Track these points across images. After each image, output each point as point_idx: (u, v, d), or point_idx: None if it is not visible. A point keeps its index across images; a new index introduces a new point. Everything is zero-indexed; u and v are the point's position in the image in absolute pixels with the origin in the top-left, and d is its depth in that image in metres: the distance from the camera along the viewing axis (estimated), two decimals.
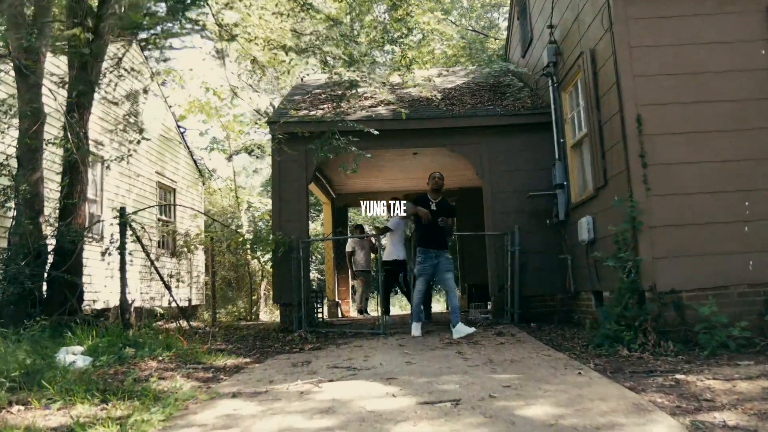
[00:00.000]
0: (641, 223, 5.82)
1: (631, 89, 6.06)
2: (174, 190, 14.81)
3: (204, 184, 17.39)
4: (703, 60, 6.06)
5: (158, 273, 9.04)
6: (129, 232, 8.12)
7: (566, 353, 5.65)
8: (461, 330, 7.05)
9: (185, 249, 10.63)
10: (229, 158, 14.96)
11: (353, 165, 8.25)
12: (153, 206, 10.53)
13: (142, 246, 8.41)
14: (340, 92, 9.62)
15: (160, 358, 6.03)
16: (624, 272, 5.83)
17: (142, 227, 8.73)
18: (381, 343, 6.91)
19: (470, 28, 23.34)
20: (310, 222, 25.34)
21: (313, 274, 19.99)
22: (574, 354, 5.61)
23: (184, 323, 9.85)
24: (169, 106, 15.91)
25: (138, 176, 12.81)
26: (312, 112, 9.55)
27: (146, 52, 18.59)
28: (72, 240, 7.45)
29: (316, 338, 7.62)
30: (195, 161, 16.46)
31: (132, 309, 7.84)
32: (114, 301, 10.28)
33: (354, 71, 8.12)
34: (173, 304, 13.45)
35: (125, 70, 10.47)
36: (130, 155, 8.83)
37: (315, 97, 10.69)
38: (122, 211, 8.01)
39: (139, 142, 9.57)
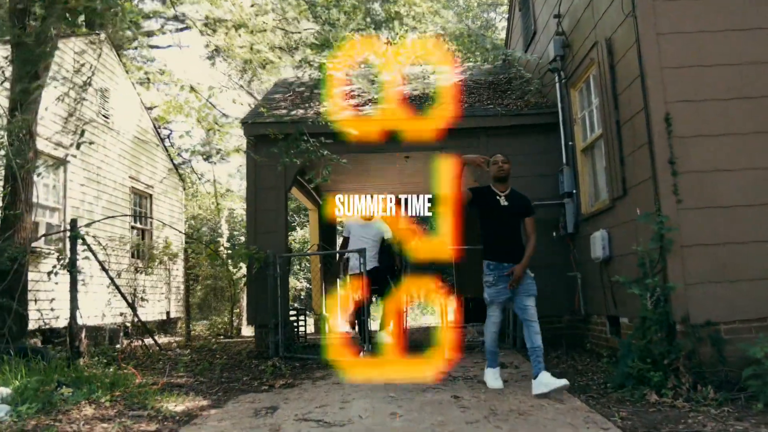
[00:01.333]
0: (671, 241, 4.89)
1: (659, 83, 5.13)
2: (150, 196, 13.85)
3: (185, 189, 16.43)
4: (747, 49, 5.13)
5: (119, 290, 8.09)
6: (84, 247, 7.16)
7: (583, 396, 4.73)
8: (549, 383, 4.70)
9: (155, 261, 9.65)
10: (207, 158, 13.99)
11: (323, 172, 7.26)
12: (109, 217, 9.53)
13: (99, 262, 7.47)
14: (313, 89, 8.68)
15: (102, 400, 5.07)
16: (650, 300, 4.90)
17: (98, 241, 7.76)
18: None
19: (467, 25, 22.46)
20: (298, 229, 24.50)
21: (302, 284, 19.03)
22: (593, 398, 4.69)
23: (149, 341, 8.89)
24: (149, 108, 14.95)
25: (109, 181, 11.84)
26: (292, 112, 8.61)
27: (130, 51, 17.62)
28: (12, 257, 6.49)
29: (291, 369, 6.66)
30: (175, 165, 15.50)
31: (83, 336, 6.87)
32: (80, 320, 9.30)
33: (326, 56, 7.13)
34: (147, 319, 12.51)
35: (90, 66, 9.50)
36: (84, 143, 7.81)
37: (298, 96, 9.75)
38: (73, 224, 7.05)
39: (77, 147, 8.53)
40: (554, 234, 7.88)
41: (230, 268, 10.13)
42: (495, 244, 5.16)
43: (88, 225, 7.93)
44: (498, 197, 5.21)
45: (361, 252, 7.37)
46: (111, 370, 6.52)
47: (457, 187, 5.21)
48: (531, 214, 5.28)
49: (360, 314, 7.72)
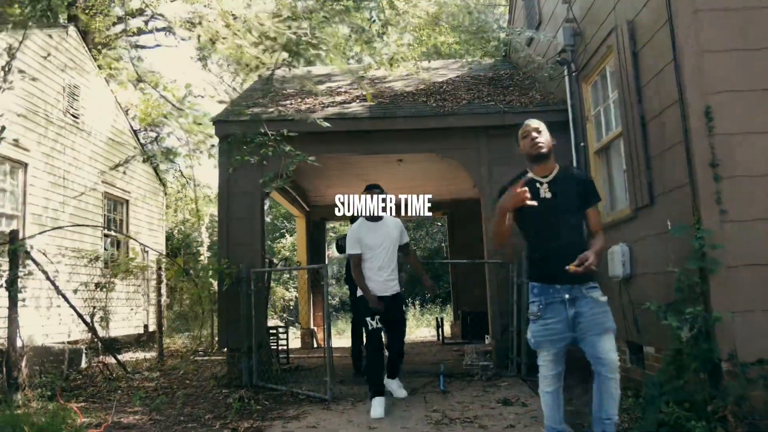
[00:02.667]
0: (716, 261, 4.01)
1: (697, 70, 4.26)
2: (126, 201, 12.95)
3: (166, 194, 15.52)
4: None
5: (72, 306, 7.19)
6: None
7: None
8: None
9: (117, 275, 8.74)
10: (172, 159, 13.13)
11: (284, 173, 6.34)
12: (58, 228, 8.64)
13: (47, 276, 6.57)
14: (297, 85, 7.80)
15: None
16: (689, 332, 4.02)
17: (44, 253, 6.86)
18: (344, 419, 5.05)
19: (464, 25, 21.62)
20: (287, 236, 23.54)
21: (292, 293, 18.12)
22: None
23: (110, 360, 7.99)
24: (126, 111, 14.05)
25: (78, 186, 10.93)
26: (270, 109, 7.72)
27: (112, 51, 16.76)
28: None
29: (262, 405, 5.74)
30: (155, 168, 14.58)
31: (23, 365, 5.95)
32: (40, 337, 8.39)
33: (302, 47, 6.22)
34: (122, 334, 11.59)
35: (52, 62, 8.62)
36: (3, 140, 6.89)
37: (278, 92, 8.87)
38: (13, 236, 6.14)
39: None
40: None
41: (199, 283, 9.19)
42: (539, 257, 3.45)
43: (31, 237, 7.01)
44: (538, 186, 3.41)
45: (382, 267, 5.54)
46: (52, 406, 5.62)
47: (502, 233, 3.43)
48: (594, 202, 3.50)
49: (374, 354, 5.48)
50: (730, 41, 4.25)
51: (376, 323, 5.44)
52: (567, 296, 3.34)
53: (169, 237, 19.22)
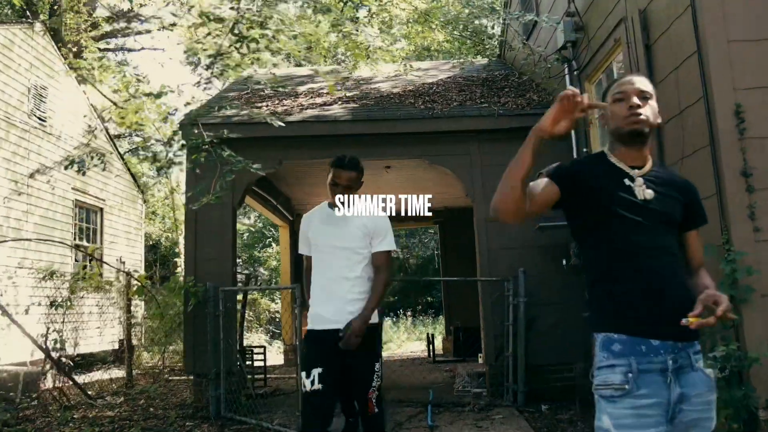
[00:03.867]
0: (750, 289, 3.37)
1: (725, 63, 3.63)
2: (101, 210, 12.25)
3: (145, 201, 14.83)
4: None
5: (18, 326, 6.51)
6: None
7: None
8: None
9: (75, 292, 8.04)
10: (159, 169, 12.44)
11: (218, 184, 5.62)
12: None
13: None
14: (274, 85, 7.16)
15: None
16: (719, 374, 3.37)
17: None
18: None
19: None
20: (274, 245, 22.81)
21: (277, 304, 17.42)
22: None
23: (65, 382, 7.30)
24: (104, 119, 13.36)
25: (45, 194, 10.24)
26: (243, 111, 7.07)
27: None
28: None
29: None
30: (133, 174, 13.90)
31: None
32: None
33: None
34: (95, 351, 10.89)
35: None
36: None
37: (255, 93, 8.23)
38: None
39: None
40: (564, 263, 6.38)
41: (161, 303, 8.51)
42: (622, 291, 2.02)
43: None
44: (627, 181, 2.07)
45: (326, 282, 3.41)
46: None
47: (519, 190, 1.95)
48: (701, 223, 2.22)
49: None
50: (764, 30, 3.63)
51: (314, 382, 3.17)
52: (671, 362, 1.97)
53: (155, 245, 18.56)
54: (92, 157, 6.49)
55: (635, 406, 1.91)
